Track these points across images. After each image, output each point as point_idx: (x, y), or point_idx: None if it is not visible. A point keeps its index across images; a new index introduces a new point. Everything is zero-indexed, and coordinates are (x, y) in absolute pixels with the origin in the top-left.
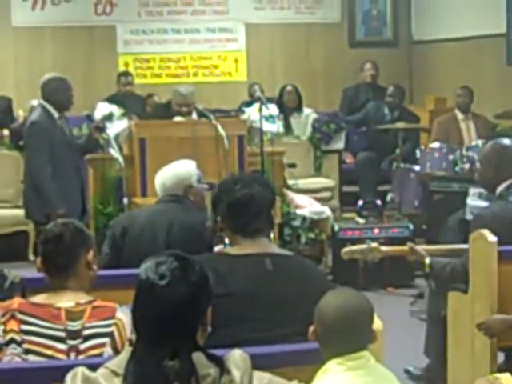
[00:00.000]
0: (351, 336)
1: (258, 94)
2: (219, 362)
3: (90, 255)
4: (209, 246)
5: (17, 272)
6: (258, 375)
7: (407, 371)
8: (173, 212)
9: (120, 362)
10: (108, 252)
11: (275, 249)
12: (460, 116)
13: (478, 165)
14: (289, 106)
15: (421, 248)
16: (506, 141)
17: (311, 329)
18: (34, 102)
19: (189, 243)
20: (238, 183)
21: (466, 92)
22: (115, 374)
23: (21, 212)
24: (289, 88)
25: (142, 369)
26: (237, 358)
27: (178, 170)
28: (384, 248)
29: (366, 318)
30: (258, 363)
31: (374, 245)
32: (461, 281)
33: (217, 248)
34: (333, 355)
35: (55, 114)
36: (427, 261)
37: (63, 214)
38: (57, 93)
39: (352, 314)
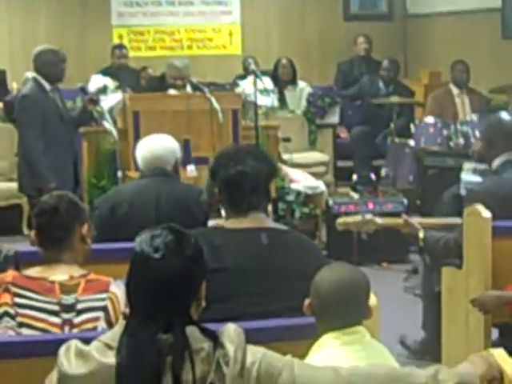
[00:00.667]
0: (346, 310)
1: (253, 67)
2: (213, 337)
3: (85, 229)
4: (204, 219)
5: (11, 245)
6: (251, 349)
7: (402, 342)
8: (160, 186)
9: (114, 335)
10: (95, 233)
11: (271, 223)
12: (455, 91)
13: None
14: (283, 79)
15: (415, 221)
16: (503, 115)
17: (306, 302)
18: (29, 75)
19: (178, 216)
20: (232, 158)
21: (464, 67)
22: (109, 347)
23: (15, 185)
24: (284, 61)
25: (135, 342)
26: (231, 332)
27: (168, 142)
28: (378, 220)
29: (361, 292)
30: (253, 337)
31: (369, 216)
32: (453, 255)
33: (211, 222)
34: (328, 329)
35: (47, 87)
36: (421, 234)
37: (55, 188)
38: (49, 65)
39: (347, 288)
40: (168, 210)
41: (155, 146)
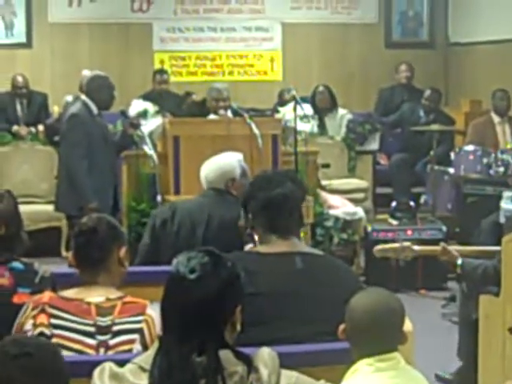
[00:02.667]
0: (381, 336)
1: (293, 93)
2: (247, 360)
3: (122, 252)
4: (241, 244)
5: (47, 267)
6: (285, 374)
7: (438, 376)
8: (213, 206)
9: (148, 357)
10: (147, 242)
11: (306, 248)
12: (496, 119)
13: None
14: (320, 105)
15: (453, 248)
16: None
17: (341, 327)
18: (69, 98)
19: (227, 239)
20: (272, 181)
21: (505, 95)
22: (142, 369)
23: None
24: (320, 88)
25: (168, 362)
26: (265, 356)
27: (220, 163)
28: (416, 247)
29: (396, 318)
30: (286, 362)
31: (407, 244)
32: (492, 283)
33: (247, 247)
34: (362, 355)
35: (95, 111)
36: (459, 261)
37: (96, 208)
38: (101, 90)
39: (382, 313)
40: (219, 231)
41: (212, 164)
